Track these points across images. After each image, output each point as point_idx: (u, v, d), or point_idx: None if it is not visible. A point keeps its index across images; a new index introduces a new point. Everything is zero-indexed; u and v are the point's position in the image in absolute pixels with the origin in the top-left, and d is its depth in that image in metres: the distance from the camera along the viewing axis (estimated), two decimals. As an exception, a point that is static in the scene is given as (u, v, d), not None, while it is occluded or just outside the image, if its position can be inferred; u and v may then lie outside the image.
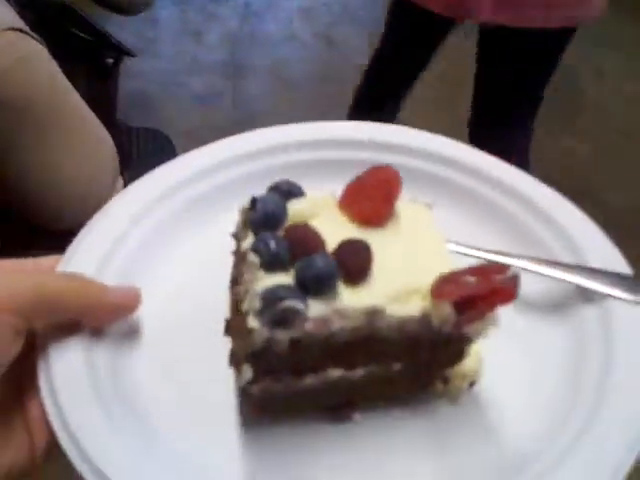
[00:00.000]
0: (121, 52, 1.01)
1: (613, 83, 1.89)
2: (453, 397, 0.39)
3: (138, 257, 0.44)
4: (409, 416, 0.38)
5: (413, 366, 0.37)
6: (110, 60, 1.01)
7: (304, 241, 0.34)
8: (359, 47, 1.99)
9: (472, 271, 0.35)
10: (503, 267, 0.35)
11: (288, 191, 0.38)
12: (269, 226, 0.36)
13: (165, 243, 0.46)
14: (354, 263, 0.34)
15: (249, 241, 0.35)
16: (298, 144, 0.51)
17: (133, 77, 1.67)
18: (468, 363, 0.38)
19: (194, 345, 0.40)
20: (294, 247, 0.34)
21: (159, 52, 1.93)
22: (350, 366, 0.36)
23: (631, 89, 1.86)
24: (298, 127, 0.53)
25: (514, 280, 0.34)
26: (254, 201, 0.37)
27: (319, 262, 0.33)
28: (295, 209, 0.37)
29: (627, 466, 0.34)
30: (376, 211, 0.38)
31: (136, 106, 1.63)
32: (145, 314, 0.40)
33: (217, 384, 0.39)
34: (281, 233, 0.35)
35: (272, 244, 0.34)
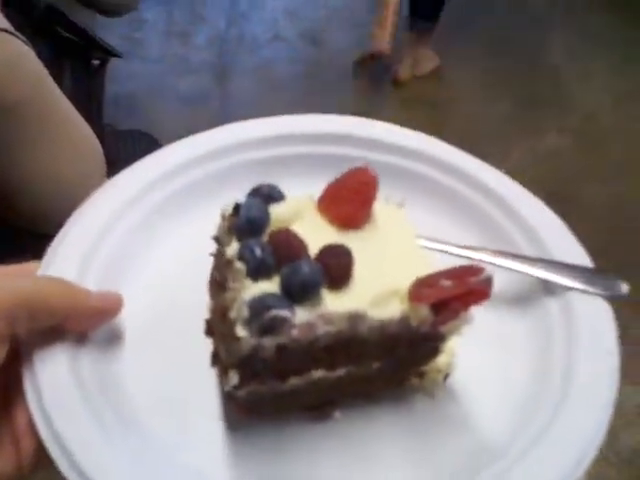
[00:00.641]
0: (107, 53, 0.98)
1: (599, 82, 1.92)
2: (429, 391, 0.40)
3: (117, 258, 0.43)
4: (387, 411, 0.39)
5: (391, 364, 0.37)
6: (96, 61, 0.98)
7: (288, 247, 0.34)
8: (344, 46, 1.99)
9: (448, 274, 0.35)
10: (478, 269, 0.36)
11: (269, 195, 0.38)
12: (253, 232, 0.35)
13: (144, 242, 0.45)
14: (337, 268, 0.34)
15: (234, 248, 0.35)
16: (275, 138, 0.51)
17: (120, 80, 1.64)
18: (442, 357, 0.39)
19: (176, 346, 0.40)
20: (279, 253, 0.34)
21: (146, 54, 1.89)
22: (331, 367, 0.36)
23: (617, 88, 1.90)
24: (276, 121, 0.52)
25: (488, 281, 0.35)
26: (237, 207, 0.37)
27: (304, 269, 0.32)
28: (277, 213, 0.37)
29: (591, 455, 0.35)
30: (354, 214, 0.38)
31: (123, 108, 1.60)
32: (127, 317, 0.39)
33: (201, 385, 0.38)
34: (265, 238, 0.35)
35: (257, 251, 0.33)
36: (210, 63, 1.90)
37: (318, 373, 0.36)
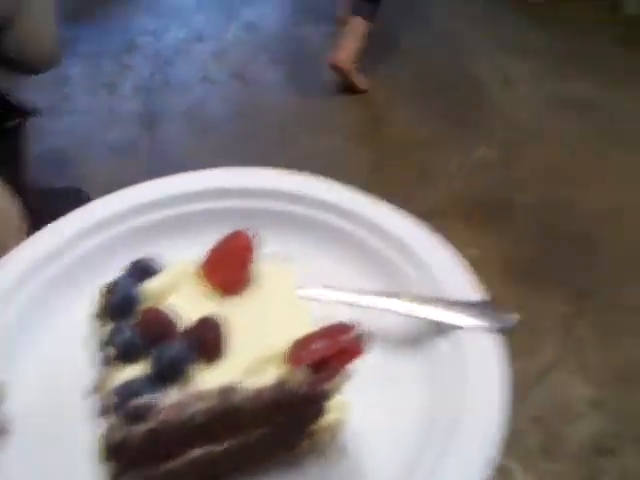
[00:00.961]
0: (24, 113, 0.97)
1: (521, 91, 1.97)
2: (320, 451, 0.39)
3: (5, 341, 0.43)
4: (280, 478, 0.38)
5: (274, 429, 0.37)
6: (13, 122, 0.96)
7: (157, 326, 0.34)
8: (274, 84, 2.01)
9: (323, 333, 0.36)
10: (348, 327, 0.36)
11: (145, 270, 0.38)
12: (124, 312, 0.35)
13: (35, 322, 0.45)
14: (207, 342, 0.34)
15: (106, 330, 0.35)
16: (162, 200, 0.51)
17: (49, 136, 1.63)
18: (330, 415, 0.39)
19: (67, 433, 0.39)
20: (147, 334, 0.34)
21: (74, 108, 1.88)
22: (211, 442, 0.35)
23: (539, 96, 1.95)
24: (163, 182, 0.53)
25: (359, 339, 0.36)
26: (110, 285, 0.37)
27: (172, 348, 0.33)
28: (151, 288, 0.37)
29: None
30: (233, 280, 0.39)
31: (54, 164, 1.59)
32: (13, 407, 0.38)
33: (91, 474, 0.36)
34: (137, 317, 0.36)
35: (126, 335, 0.33)
36: (137, 111, 1.90)
37: (199, 450, 0.35)
